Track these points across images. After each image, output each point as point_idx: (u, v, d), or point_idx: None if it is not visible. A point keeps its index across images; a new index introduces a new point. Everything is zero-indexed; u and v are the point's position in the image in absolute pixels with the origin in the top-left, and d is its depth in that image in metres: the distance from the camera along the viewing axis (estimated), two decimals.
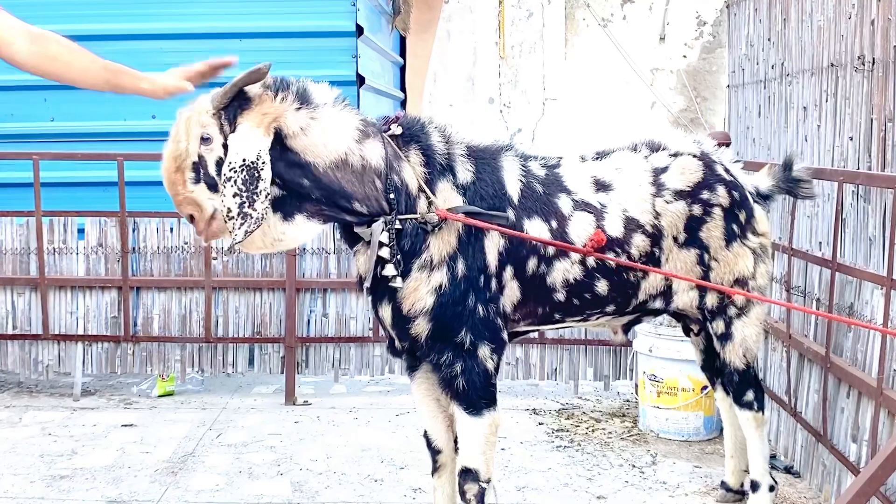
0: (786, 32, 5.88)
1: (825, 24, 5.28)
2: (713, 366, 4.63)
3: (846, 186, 4.69)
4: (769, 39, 6.25)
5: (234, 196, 3.39)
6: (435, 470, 4.15)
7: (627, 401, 6.60)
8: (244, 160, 3.39)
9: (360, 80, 7.15)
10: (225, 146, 3.48)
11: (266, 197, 3.43)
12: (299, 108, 3.54)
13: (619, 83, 11.21)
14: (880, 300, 4.09)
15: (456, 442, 4.02)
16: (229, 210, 3.41)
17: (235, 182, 3.39)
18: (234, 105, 3.49)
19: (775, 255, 5.34)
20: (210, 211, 3.53)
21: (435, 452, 4.12)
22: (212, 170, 3.50)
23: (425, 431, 4.14)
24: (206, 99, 3.51)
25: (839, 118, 5.11)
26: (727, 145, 5.79)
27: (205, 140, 3.48)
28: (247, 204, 3.40)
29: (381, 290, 3.77)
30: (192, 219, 3.60)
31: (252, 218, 3.41)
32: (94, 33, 7.10)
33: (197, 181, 3.51)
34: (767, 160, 5.60)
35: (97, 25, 7.15)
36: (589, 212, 3.97)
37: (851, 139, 4.97)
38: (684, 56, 11.20)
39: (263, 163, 3.41)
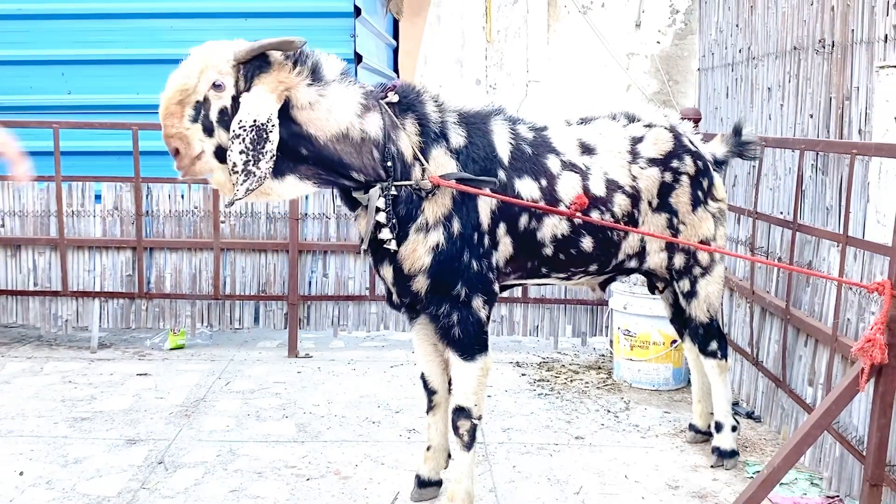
0: (752, 19, 6.22)
1: (789, 10, 5.63)
2: (681, 319, 4.96)
3: (806, 157, 5.02)
4: (737, 25, 6.58)
5: (240, 153, 3.45)
6: (430, 409, 4.42)
7: (603, 355, 6.97)
8: (255, 121, 3.46)
9: (358, 59, 7.46)
10: (234, 99, 3.54)
11: (271, 158, 3.50)
12: (311, 84, 3.67)
13: (598, 67, 11.48)
14: (836, 257, 4.39)
15: (450, 383, 4.28)
16: (234, 165, 3.47)
17: (244, 140, 3.45)
18: (255, 64, 3.56)
19: (741, 220, 5.70)
20: (198, 151, 3.57)
21: (431, 393, 4.40)
22: (213, 115, 3.54)
23: (422, 374, 4.40)
24: (228, 48, 3.55)
25: (801, 97, 5.46)
26: (698, 121, 6.15)
27: (217, 86, 3.53)
28: (252, 162, 3.46)
29: (381, 251, 3.98)
30: (176, 152, 3.59)
31: (255, 176, 3.48)
32: (106, 12, 7.42)
33: (195, 120, 3.54)
34: None
35: (110, 4, 7.44)
36: (576, 172, 4.21)
37: (812, 117, 5.32)
38: (658, 42, 11.48)
39: (273, 126, 3.49)
